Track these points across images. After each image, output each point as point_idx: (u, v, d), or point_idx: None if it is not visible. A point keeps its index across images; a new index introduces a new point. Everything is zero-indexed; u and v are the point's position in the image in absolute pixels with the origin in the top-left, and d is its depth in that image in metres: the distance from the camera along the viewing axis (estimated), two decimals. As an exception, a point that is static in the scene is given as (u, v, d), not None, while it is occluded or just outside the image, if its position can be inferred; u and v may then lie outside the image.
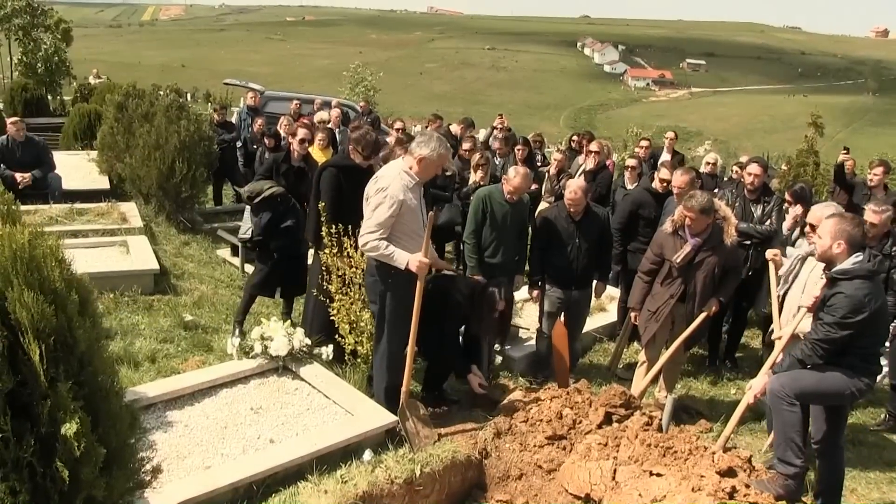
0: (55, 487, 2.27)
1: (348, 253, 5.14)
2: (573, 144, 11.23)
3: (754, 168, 6.48)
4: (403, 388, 4.70)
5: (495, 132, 10.97)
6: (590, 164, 8.69)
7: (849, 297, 3.98)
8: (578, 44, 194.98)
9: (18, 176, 8.85)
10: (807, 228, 5.08)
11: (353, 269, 5.11)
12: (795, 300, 5.03)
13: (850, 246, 4.07)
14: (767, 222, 6.36)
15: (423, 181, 4.67)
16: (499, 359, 6.13)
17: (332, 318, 5.21)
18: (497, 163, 9.04)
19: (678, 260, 5.29)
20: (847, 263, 4.05)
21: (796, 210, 6.21)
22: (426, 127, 10.90)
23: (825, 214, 4.80)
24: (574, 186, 5.76)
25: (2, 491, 2.19)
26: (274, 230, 6.07)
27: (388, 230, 4.43)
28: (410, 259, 4.42)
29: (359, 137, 5.48)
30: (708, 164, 9.07)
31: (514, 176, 5.69)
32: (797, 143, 13.26)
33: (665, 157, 10.05)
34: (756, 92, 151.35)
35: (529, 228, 6.44)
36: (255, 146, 10.08)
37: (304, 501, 3.90)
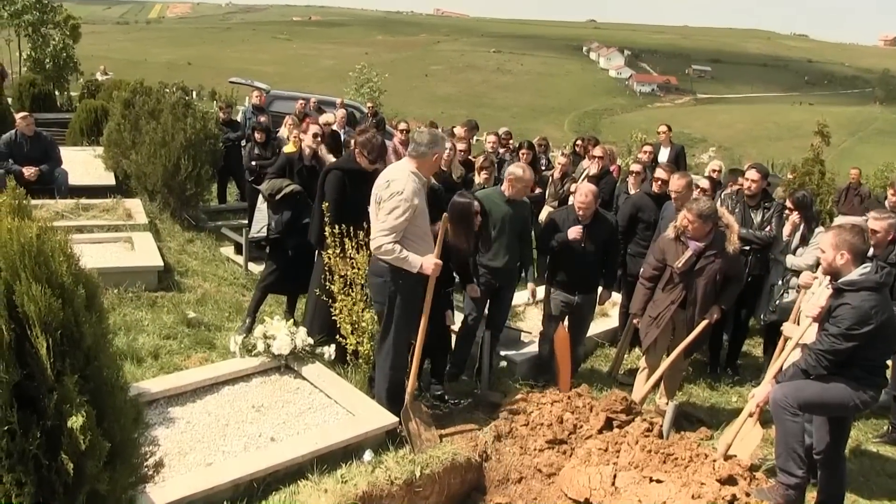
0: (60, 480, 2.29)
1: (350, 255, 5.15)
2: (577, 149, 11.22)
3: (753, 174, 6.49)
4: (409, 389, 4.73)
5: (489, 150, 10.66)
6: (593, 169, 8.68)
7: (855, 308, 3.96)
8: (584, 48, 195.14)
9: (25, 170, 8.88)
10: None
11: (355, 271, 5.13)
12: None
13: (854, 256, 4.05)
14: (767, 228, 6.38)
15: (427, 181, 4.70)
16: (503, 363, 6.14)
17: (333, 318, 5.22)
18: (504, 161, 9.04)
19: (679, 265, 5.29)
20: (854, 275, 4.03)
21: (794, 217, 6.23)
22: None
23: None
24: (584, 190, 5.74)
25: (8, 482, 2.21)
26: (293, 228, 6.12)
27: (401, 234, 4.46)
28: (424, 262, 4.50)
29: (365, 141, 5.49)
30: (713, 171, 9.06)
31: (524, 171, 5.66)
32: (802, 151, 13.25)
33: (664, 151, 10.04)
34: (762, 99, 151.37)
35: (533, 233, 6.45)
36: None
37: (304, 500, 3.91)
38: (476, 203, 5.17)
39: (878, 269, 4.05)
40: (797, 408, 4.19)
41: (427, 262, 4.52)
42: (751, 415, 4.64)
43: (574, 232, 5.70)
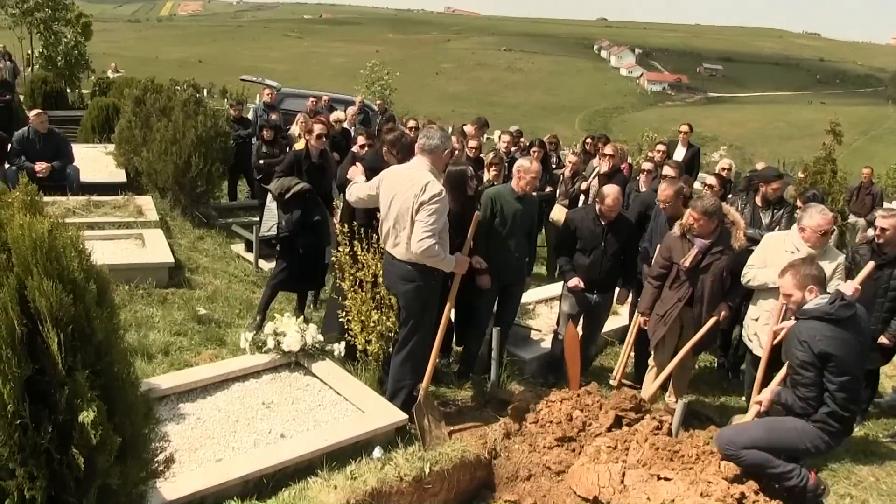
0: (71, 474, 2.30)
1: (356, 253, 5.15)
2: (588, 147, 11.20)
3: (778, 184, 6.56)
4: (424, 384, 4.76)
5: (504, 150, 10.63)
6: (604, 167, 8.66)
7: (794, 335, 3.99)
8: (595, 47, 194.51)
9: (37, 166, 8.92)
10: (798, 229, 5.19)
11: (365, 270, 5.12)
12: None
13: (819, 286, 4.08)
14: (776, 229, 6.37)
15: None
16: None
17: (340, 319, 5.20)
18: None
19: (685, 263, 5.28)
20: (811, 303, 4.03)
21: None
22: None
23: (815, 221, 4.91)
24: (614, 194, 5.66)
25: (21, 476, 2.23)
26: (302, 226, 6.13)
27: (438, 234, 4.48)
28: (458, 260, 4.65)
29: (394, 140, 5.45)
30: (723, 168, 9.03)
31: (532, 163, 5.64)
32: (814, 150, 13.13)
33: (680, 150, 10.00)
34: (773, 98, 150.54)
35: (544, 230, 6.46)
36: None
37: (314, 496, 3.92)
38: (470, 169, 5.42)
39: (838, 300, 3.98)
40: (742, 449, 4.16)
41: (462, 261, 4.70)
42: (758, 414, 4.60)
43: (574, 282, 5.80)
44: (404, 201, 4.50)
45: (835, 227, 6.64)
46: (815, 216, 5.05)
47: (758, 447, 4.15)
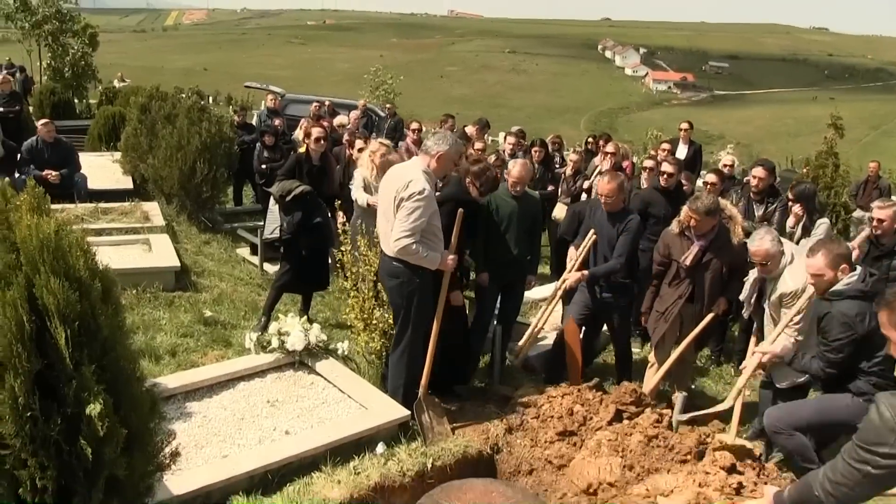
0: (80, 465, 2.39)
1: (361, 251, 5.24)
2: (589, 146, 11.26)
3: (759, 171, 6.65)
4: (423, 382, 4.82)
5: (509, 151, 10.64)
6: (606, 165, 8.71)
7: (836, 316, 3.98)
8: (599, 47, 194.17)
9: (47, 173, 9.04)
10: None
11: (367, 268, 5.20)
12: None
13: (850, 264, 4.10)
14: (765, 223, 6.44)
15: (437, 179, 4.79)
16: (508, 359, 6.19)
17: (343, 315, 5.29)
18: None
19: (686, 261, 5.32)
20: (840, 284, 4.05)
21: (797, 209, 6.28)
22: (440, 126, 10.91)
23: (764, 246, 4.75)
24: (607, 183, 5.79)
25: (32, 466, 2.32)
26: (304, 227, 6.23)
27: (420, 234, 4.51)
28: (443, 258, 4.65)
29: (479, 171, 5.52)
30: (725, 165, 9.07)
31: (514, 167, 5.67)
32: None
33: (682, 148, 10.06)
34: (781, 95, 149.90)
35: (547, 228, 6.51)
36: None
37: (318, 491, 3.99)
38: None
39: (866, 276, 4.04)
40: (792, 430, 4.16)
41: (446, 258, 4.68)
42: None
43: (573, 279, 5.76)
44: (388, 197, 4.60)
45: (823, 221, 6.64)
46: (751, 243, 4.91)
47: (812, 427, 4.16)
